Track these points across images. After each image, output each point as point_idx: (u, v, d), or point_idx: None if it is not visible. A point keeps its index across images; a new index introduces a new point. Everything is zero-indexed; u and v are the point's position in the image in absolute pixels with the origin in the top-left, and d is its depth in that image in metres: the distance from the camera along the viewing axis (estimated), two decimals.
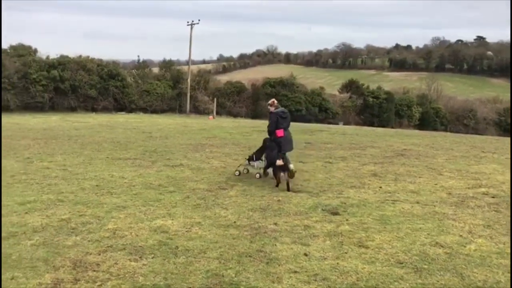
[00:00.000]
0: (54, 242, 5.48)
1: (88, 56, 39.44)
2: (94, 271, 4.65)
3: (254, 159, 9.97)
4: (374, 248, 5.59)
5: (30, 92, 35.13)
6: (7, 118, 26.31)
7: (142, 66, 45.02)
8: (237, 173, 9.98)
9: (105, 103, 38.40)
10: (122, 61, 48.42)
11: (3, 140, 15.19)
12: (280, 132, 9.43)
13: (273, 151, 9.36)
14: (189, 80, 42.63)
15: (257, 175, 9.82)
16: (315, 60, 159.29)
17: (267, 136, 9.79)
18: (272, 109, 9.65)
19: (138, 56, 45.69)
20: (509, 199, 8.17)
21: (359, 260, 5.20)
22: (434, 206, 7.69)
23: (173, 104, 42.62)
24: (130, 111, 39.04)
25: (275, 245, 5.61)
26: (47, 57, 37.59)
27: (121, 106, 39.48)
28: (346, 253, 5.42)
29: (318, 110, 48.24)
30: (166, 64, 47.48)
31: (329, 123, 41.92)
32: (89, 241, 5.56)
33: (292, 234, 6.06)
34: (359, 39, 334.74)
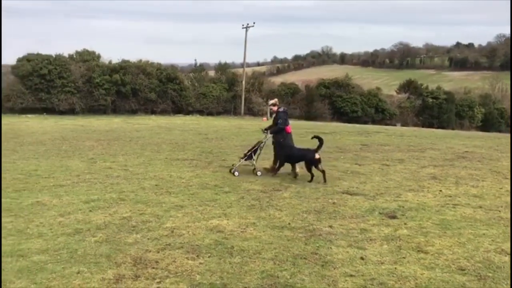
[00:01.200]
0: (116, 239, 5.72)
1: (148, 61, 40.85)
2: (153, 268, 4.81)
3: (247, 157, 10.23)
4: (433, 254, 5.40)
5: (94, 96, 36.88)
6: (72, 120, 27.79)
7: (198, 69, 46.04)
8: (236, 173, 9.97)
9: (163, 106, 39.60)
10: (180, 65, 49.80)
11: (69, 140, 16.05)
12: (289, 129, 10.34)
13: (292, 148, 10.15)
14: (243, 83, 43.09)
15: (259, 173, 10.08)
16: (371, 60, 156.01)
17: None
18: (275, 108, 10.37)
19: (195, 59, 46.93)
20: None
21: (418, 266, 5.04)
22: (499, 211, 7.31)
23: (228, 106, 43.24)
24: (187, 113, 40.02)
25: (330, 248, 5.56)
26: (110, 62, 39.30)
27: (179, 108, 40.55)
28: (404, 258, 5.27)
29: (375, 111, 47.23)
30: (222, 67, 48.27)
31: (386, 124, 40.89)
32: (148, 239, 5.75)
33: (348, 237, 5.97)
34: (417, 38, 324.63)
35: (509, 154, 14.09)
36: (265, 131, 10.61)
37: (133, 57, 40.68)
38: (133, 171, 10.43)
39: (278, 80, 61.57)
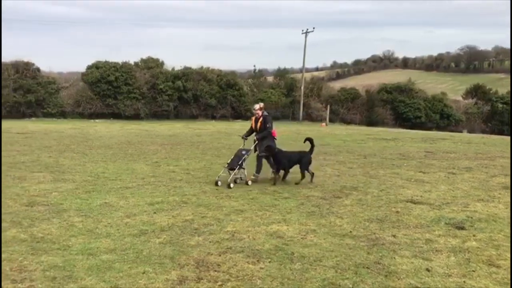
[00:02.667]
0: (179, 241, 5.87)
1: (209, 67, 41.77)
2: (215, 271, 4.88)
3: (239, 167, 9.66)
4: (507, 268, 5.08)
5: (158, 102, 38.22)
6: (137, 125, 28.91)
7: (257, 75, 46.43)
8: (232, 185, 9.26)
9: (223, 111, 40.33)
10: (239, 71, 50.47)
11: (135, 144, 16.70)
12: (275, 133, 10.31)
13: (287, 152, 10.23)
14: (302, 88, 42.96)
15: (249, 182, 9.64)
16: (435, 64, 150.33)
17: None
18: (260, 112, 10.16)
19: (254, 65, 47.26)
20: None
21: (489, 280, 4.77)
22: None
23: (287, 112, 43.26)
24: (246, 119, 40.45)
25: (394, 258, 5.38)
26: (173, 69, 40.60)
27: (238, 114, 41.11)
28: (474, 271, 5.00)
29: (439, 117, 45.48)
30: (281, 73, 48.41)
31: (452, 131, 39.18)
32: (210, 242, 5.85)
33: (412, 247, 5.76)
34: (485, 41, 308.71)
35: None
36: (245, 138, 10.39)
37: (194, 64, 41.83)
38: (194, 175, 10.67)
39: (337, 85, 60.86)
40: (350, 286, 4.58)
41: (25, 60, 36.81)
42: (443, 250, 5.66)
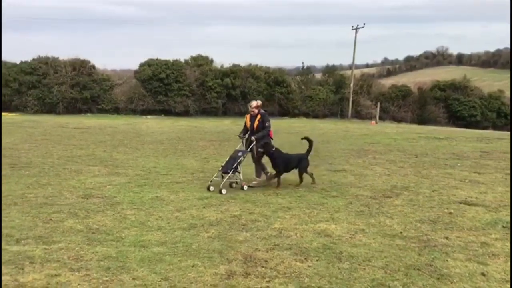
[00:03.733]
0: (227, 236, 5.94)
1: (257, 64, 41.93)
2: (263, 267, 4.91)
3: (233, 170, 8.82)
4: None
5: (207, 99, 38.82)
6: (187, 122, 29.48)
7: (305, 72, 46.13)
8: (224, 191, 8.34)
9: (270, 109, 40.31)
10: (287, 68, 50.31)
11: (184, 140, 17.04)
12: (272, 133, 9.62)
13: (287, 154, 9.44)
14: (351, 85, 42.30)
15: (245, 187, 8.82)
16: (492, 60, 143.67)
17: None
18: (257, 110, 9.45)
19: (303, 62, 46.97)
20: None
21: None
22: None
23: (335, 109, 42.75)
24: (293, 116, 40.34)
25: (447, 260, 5.21)
26: (221, 66, 41.07)
27: (285, 111, 41.05)
28: None
29: (496, 116, 43.52)
30: (329, 70, 47.90)
31: (510, 130, 37.32)
32: (257, 238, 5.89)
33: (466, 250, 5.55)
34: None
35: None
36: (243, 136, 9.58)
37: (242, 61, 42.10)
38: (242, 171, 10.73)
39: (388, 82, 59.42)
40: (400, 287, 4.48)
41: (82, 58, 38.41)
42: (500, 255, 5.41)
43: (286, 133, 21.77)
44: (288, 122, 32.89)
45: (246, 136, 9.48)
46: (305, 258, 5.18)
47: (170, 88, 38.27)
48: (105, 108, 37.36)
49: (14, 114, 31.35)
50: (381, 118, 40.44)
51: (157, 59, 39.12)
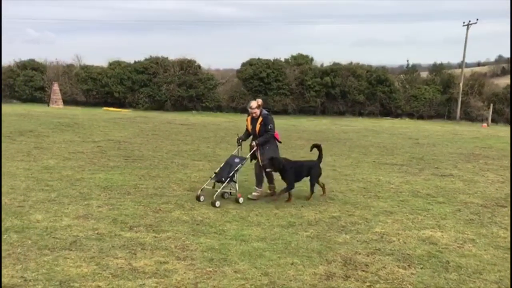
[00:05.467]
0: (326, 237, 5.90)
1: (358, 63, 41.01)
2: (363, 271, 4.80)
3: (229, 180, 7.64)
4: None
5: (305, 97, 38.84)
6: (285, 120, 29.70)
7: (410, 70, 44.10)
8: (217, 204, 7.21)
9: (371, 108, 39.30)
10: (390, 66, 48.48)
11: (283, 139, 17.19)
12: (278, 135, 8.37)
13: (297, 162, 8.36)
14: (461, 84, 39.61)
15: (241, 200, 7.54)
16: None
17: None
18: (258, 111, 8.01)
19: (407, 60, 44.95)
20: None
21: None
22: None
23: (442, 110, 40.36)
24: (396, 116, 38.81)
25: None
26: (321, 65, 40.79)
27: (387, 111, 39.66)
28: None
29: None
30: (436, 68, 45.26)
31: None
32: (357, 241, 5.76)
33: None
34: None
35: None
36: (242, 140, 8.31)
37: (343, 60, 41.39)
38: (341, 172, 10.59)
39: (502, 81, 54.57)
40: None
41: (189, 58, 40.48)
42: None
43: (389, 133, 21.00)
44: (391, 122, 31.70)
45: (251, 140, 8.23)
46: (408, 265, 4.97)
47: (269, 87, 38.88)
48: (208, 106, 39.02)
49: (127, 110, 33.97)
50: (493, 121, 37.35)
51: (258, 59, 39.94)
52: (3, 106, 26.92)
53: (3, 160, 9.90)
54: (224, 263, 4.91)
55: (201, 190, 7.69)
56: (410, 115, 39.25)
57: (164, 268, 4.76)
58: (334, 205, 7.50)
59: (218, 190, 7.53)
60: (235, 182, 7.81)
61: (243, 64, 40.12)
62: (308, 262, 4.99)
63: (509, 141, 19.22)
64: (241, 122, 26.52)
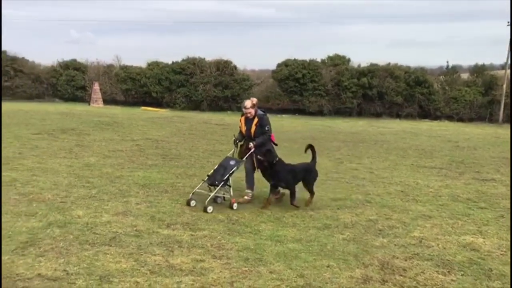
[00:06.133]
0: (363, 240, 5.82)
1: (396, 63, 40.24)
2: (401, 275, 4.71)
3: (223, 184, 7.17)
4: None
5: (341, 98, 38.40)
6: (320, 121, 29.50)
7: (450, 72, 42.89)
8: (209, 209, 6.82)
9: (409, 110, 38.46)
10: (429, 67, 47.28)
11: (318, 140, 17.09)
12: (274, 137, 7.82)
13: (290, 165, 7.58)
14: (504, 86, 38.20)
15: (235, 206, 7.10)
16: None
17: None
18: (253, 111, 7.54)
19: (447, 61, 43.74)
20: None
21: None
22: None
23: (483, 113, 39.03)
24: (434, 118, 37.85)
25: None
26: (358, 66, 40.25)
27: (425, 113, 38.72)
28: None
29: None
30: (478, 69, 43.81)
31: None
32: (395, 245, 5.66)
33: None
34: None
35: None
36: (236, 142, 7.86)
37: (380, 60, 40.67)
38: (378, 174, 10.43)
39: None
40: None
41: (225, 58, 40.78)
42: None
43: (427, 136, 20.52)
44: (430, 124, 30.94)
45: (242, 142, 7.82)
46: (448, 271, 4.84)
47: (305, 88, 38.66)
48: None
49: (164, 110, 34.55)
50: None
51: (294, 59, 39.79)
52: (47, 105, 27.93)
53: (46, 156, 10.27)
54: (260, 263, 4.93)
55: (192, 194, 7.23)
56: (450, 118, 38.16)
57: (200, 266, 4.81)
58: (371, 208, 7.39)
59: (211, 195, 7.04)
60: (230, 186, 7.29)
61: (279, 65, 40.05)
62: (344, 265, 4.94)
63: None
64: (275, 122, 26.52)
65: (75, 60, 42.33)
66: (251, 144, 7.48)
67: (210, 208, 6.82)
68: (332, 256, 5.19)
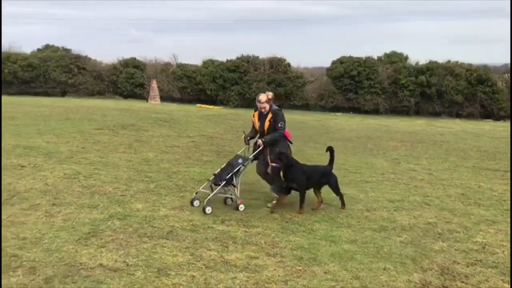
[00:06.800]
0: (421, 243, 5.63)
1: (457, 61, 38.63)
2: (463, 282, 4.52)
3: (226, 182, 6.74)
4: None
5: (398, 97, 37.35)
6: (376, 120, 28.84)
7: None
8: (208, 209, 6.48)
9: (470, 109, 36.81)
10: (492, 65, 45.03)
11: (374, 139, 16.72)
12: (288, 134, 7.31)
13: (305, 169, 7.03)
14: None
15: (241, 207, 6.75)
16: None
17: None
18: (267, 106, 7.19)
19: None
20: None
21: None
22: None
23: None
24: (498, 118, 36.00)
25: None
26: (417, 63, 38.98)
27: (488, 112, 36.91)
28: None
29: None
30: None
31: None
32: (456, 250, 5.44)
33: None
34: None
35: None
36: (247, 139, 7.35)
37: (440, 58, 39.16)
38: (437, 176, 10.05)
39: None
40: None
41: (279, 56, 40.76)
42: None
43: (490, 137, 19.54)
44: (493, 125, 29.47)
45: (256, 139, 7.29)
46: None
47: (360, 86, 37.93)
48: (296, 104, 39.00)
49: (218, 107, 35.04)
50: None
51: (349, 57, 39.13)
52: (107, 101, 29.09)
53: (107, 151, 10.69)
54: (314, 263, 4.89)
55: (196, 193, 7.00)
56: None
57: (254, 263, 4.84)
58: (429, 211, 7.14)
59: (211, 194, 6.67)
60: (235, 186, 6.88)
61: (334, 62, 39.51)
62: (401, 269, 4.80)
63: None
64: (329, 121, 26.22)
65: (134, 59, 43.76)
66: (259, 141, 7.04)
67: (209, 209, 6.51)
68: (389, 259, 5.06)
